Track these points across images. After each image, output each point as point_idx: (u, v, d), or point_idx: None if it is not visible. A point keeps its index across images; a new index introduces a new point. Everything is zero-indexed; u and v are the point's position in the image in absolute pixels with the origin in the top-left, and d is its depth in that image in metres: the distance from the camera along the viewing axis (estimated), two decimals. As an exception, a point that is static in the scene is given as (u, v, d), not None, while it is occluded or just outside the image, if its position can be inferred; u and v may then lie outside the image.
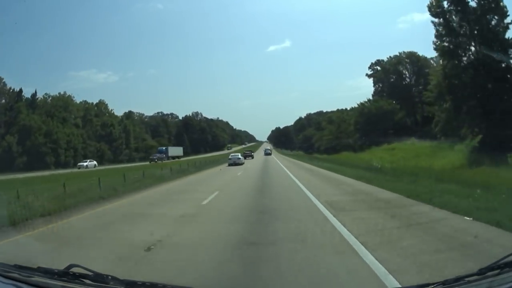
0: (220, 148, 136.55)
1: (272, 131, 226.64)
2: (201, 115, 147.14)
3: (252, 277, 4.41)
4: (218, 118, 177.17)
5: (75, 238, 7.06)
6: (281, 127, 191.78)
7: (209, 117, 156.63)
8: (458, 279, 1.91)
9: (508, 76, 32.37)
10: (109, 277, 2.11)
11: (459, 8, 34.46)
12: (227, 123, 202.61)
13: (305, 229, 6.88)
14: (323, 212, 8.65)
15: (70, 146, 68.70)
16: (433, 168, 26.49)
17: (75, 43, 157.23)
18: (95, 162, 60.14)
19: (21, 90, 78.23)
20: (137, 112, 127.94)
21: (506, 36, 32.74)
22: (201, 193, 13.78)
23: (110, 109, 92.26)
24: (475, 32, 35.32)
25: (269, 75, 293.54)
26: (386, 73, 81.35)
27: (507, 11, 32.91)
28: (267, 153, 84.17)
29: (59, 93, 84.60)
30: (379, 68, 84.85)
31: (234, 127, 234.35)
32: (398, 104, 70.15)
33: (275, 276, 4.42)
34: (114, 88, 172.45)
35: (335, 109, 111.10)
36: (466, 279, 1.92)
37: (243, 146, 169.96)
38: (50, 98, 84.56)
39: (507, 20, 32.67)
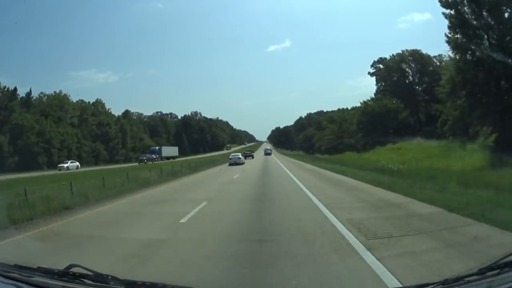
0: (219, 148, 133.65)
1: (272, 131, 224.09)
2: (200, 114, 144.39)
3: None
4: (217, 118, 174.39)
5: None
6: (281, 127, 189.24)
7: (209, 117, 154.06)
8: (458, 279, 1.89)
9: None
10: (109, 277, 2.08)
11: (472, -1, 31.78)
12: (226, 123, 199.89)
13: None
14: (351, 242, 5.73)
15: (64, 145, 65.92)
16: (451, 169, 23.76)
17: (75, 43, 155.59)
18: (77, 163, 55.67)
19: (15, 89, 75.63)
20: (135, 112, 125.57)
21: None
22: (184, 204, 11.00)
23: (107, 108, 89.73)
24: (490, 23, 32.75)
25: (269, 75, 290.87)
26: (389, 71, 78.57)
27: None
28: (267, 153, 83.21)
29: (55, 92, 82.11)
30: (381, 66, 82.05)
31: (234, 127, 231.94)
32: (402, 103, 67.33)
33: None
34: (114, 88, 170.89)
35: (335, 109, 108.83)
36: (466, 279, 1.88)
37: (243, 146, 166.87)
38: (46, 97, 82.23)
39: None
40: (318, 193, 11.98)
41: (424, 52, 78.29)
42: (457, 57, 35.33)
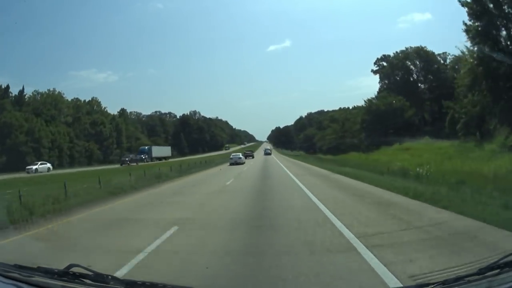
0: (219, 148, 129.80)
1: (272, 131, 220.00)
2: (199, 114, 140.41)
3: None
4: (217, 117, 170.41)
5: None
6: (281, 126, 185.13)
7: (208, 116, 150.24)
8: (458, 278, 1.86)
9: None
10: (109, 277, 2.05)
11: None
12: (226, 123, 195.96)
13: None
14: None
15: (55, 145, 62.10)
16: (480, 173, 20.04)
17: (75, 43, 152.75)
18: (48, 165, 49.72)
19: (8, 87, 72.45)
20: (134, 111, 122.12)
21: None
22: (143, 231, 7.28)
23: (103, 107, 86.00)
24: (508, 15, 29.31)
25: (269, 75, 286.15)
26: (393, 69, 74.88)
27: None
28: (267, 153, 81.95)
29: (48, 90, 78.49)
30: (385, 63, 78.30)
31: (234, 127, 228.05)
32: (407, 101, 63.52)
33: None
34: (114, 87, 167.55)
35: (336, 108, 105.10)
36: (466, 278, 1.85)
37: (242, 146, 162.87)
38: (39, 96, 78.65)
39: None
40: (341, 212, 8.23)
41: (429, 49, 74.84)
42: (475, 48, 31.81)
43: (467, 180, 14.71)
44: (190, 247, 5.95)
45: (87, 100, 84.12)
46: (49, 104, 75.35)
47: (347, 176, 18.22)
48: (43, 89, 78.89)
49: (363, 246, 5.31)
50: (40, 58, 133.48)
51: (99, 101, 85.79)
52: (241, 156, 47.47)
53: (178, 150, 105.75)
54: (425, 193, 10.62)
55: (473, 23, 30.62)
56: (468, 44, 32.52)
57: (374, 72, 79.00)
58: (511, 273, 1.80)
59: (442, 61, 75.66)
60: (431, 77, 73.73)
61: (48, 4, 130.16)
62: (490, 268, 1.88)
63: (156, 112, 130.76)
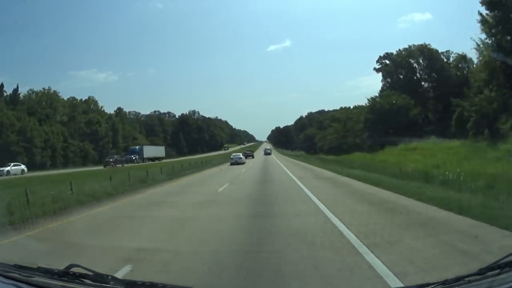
0: (218, 148, 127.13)
1: (272, 131, 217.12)
2: (198, 113, 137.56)
3: None
4: (216, 117, 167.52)
5: None
6: (281, 126, 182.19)
7: (208, 116, 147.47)
8: (458, 279, 1.82)
9: None
10: (109, 277, 2.02)
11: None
12: (226, 122, 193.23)
13: None
14: None
15: (48, 145, 59.45)
16: (510, 176, 17.47)
17: (75, 43, 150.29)
18: (23, 167, 44.43)
19: (2, 86, 70.04)
20: (133, 111, 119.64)
21: None
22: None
23: (100, 106, 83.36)
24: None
25: (269, 75, 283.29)
26: (397, 67, 72.26)
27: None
28: (267, 153, 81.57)
29: (43, 88, 75.83)
30: (387, 62, 75.63)
31: (234, 127, 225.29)
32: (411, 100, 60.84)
33: None
34: (114, 87, 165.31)
35: (337, 108, 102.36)
36: (466, 279, 1.82)
37: (242, 146, 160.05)
38: (34, 94, 76.09)
39: None
40: (377, 242, 5.53)
41: (433, 47, 72.22)
42: (489, 41, 29.27)
43: (496, 184, 12.28)
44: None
45: (83, 99, 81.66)
46: (44, 103, 72.96)
47: (359, 180, 15.53)
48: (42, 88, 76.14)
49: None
50: (39, 58, 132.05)
51: (96, 100, 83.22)
52: (241, 156, 47.14)
53: (177, 150, 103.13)
54: (473, 206, 8.02)
55: (490, 13, 28.10)
56: (483, 36, 30.03)
57: (377, 70, 76.33)
58: (511, 273, 1.76)
59: (445, 60, 73.24)
60: (435, 76, 71.19)
61: (48, 4, 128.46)
62: (490, 268, 1.85)
63: (155, 111, 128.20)
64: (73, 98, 79.91)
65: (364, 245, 5.30)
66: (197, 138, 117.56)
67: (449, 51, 73.69)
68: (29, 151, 56.05)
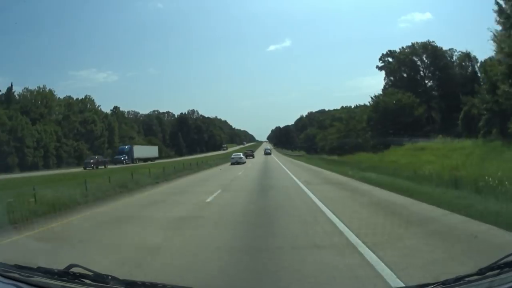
0: (218, 148, 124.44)
1: (272, 131, 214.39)
2: (197, 113, 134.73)
3: None
4: (216, 116, 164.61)
5: None
6: (281, 126, 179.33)
7: (208, 116, 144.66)
8: (458, 279, 1.80)
9: None
10: (109, 277, 1.99)
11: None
12: (225, 122, 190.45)
13: None
14: None
15: (40, 145, 56.86)
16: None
17: (75, 43, 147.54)
18: None
19: (-4, 85, 67.72)
20: (132, 110, 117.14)
21: None
22: None
23: (97, 105, 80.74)
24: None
25: (269, 75, 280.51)
26: (400, 64, 69.65)
27: None
28: (267, 153, 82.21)
29: (38, 87, 73.20)
30: (390, 59, 72.94)
31: (233, 127, 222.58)
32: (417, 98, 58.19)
33: None
34: (114, 87, 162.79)
35: (338, 108, 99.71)
36: (466, 279, 1.79)
37: (242, 146, 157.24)
38: (29, 93, 73.51)
39: None
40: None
41: (437, 44, 69.59)
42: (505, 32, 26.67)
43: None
44: None
45: (80, 98, 79.08)
46: (39, 102, 70.42)
47: (379, 186, 12.80)
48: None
49: None
50: (39, 58, 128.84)
51: (92, 99, 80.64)
52: (242, 156, 46.78)
53: (176, 150, 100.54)
54: None
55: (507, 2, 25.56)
56: (499, 28, 27.46)
57: (380, 68, 73.66)
58: (511, 273, 1.74)
59: (448, 58, 70.71)
60: (439, 74, 68.62)
61: (48, 4, 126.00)
62: (490, 268, 1.82)
63: (154, 111, 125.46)
64: (69, 97, 77.43)
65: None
66: (196, 138, 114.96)
67: (452, 49, 71.18)
68: (20, 151, 53.51)
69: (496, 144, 31.92)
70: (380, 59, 74.05)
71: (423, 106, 56.75)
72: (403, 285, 3.66)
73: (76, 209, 10.39)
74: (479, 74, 64.84)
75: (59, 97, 74.45)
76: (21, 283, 1.89)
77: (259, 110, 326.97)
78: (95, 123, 67.52)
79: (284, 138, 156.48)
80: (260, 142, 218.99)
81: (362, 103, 78.36)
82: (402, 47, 72.48)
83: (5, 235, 7.06)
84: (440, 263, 4.54)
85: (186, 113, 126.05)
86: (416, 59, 70.28)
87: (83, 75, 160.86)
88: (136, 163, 55.27)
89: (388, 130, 52.41)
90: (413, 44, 71.47)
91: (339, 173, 20.26)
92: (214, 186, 15.71)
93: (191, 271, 4.65)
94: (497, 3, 26.46)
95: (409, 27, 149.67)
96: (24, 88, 70.43)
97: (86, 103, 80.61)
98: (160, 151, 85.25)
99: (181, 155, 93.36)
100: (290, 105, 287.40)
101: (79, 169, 43.35)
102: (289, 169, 27.20)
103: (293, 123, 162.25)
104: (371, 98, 60.57)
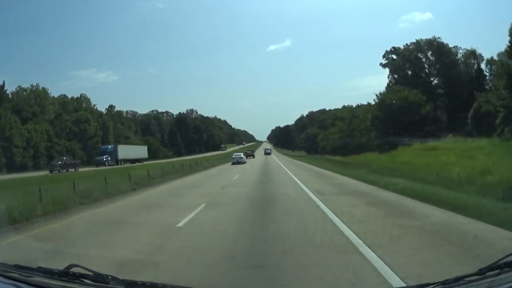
0: (217, 148, 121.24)
1: (272, 131, 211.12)
2: (196, 112, 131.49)
3: None
4: (215, 116, 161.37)
5: None
6: (281, 126, 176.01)
7: (207, 115, 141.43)
8: (458, 279, 1.76)
9: None
10: (109, 277, 1.96)
11: None
12: (225, 122, 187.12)
13: None
14: None
15: (30, 145, 53.71)
16: None
17: (75, 43, 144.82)
18: None
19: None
20: (130, 110, 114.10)
21: None
22: None
23: (92, 104, 77.53)
24: None
25: (269, 75, 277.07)
26: (405, 61, 66.50)
27: None
28: (267, 153, 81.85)
29: (31, 85, 70.01)
30: (394, 56, 69.75)
31: (233, 126, 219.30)
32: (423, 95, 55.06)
33: None
34: (114, 87, 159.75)
35: (338, 107, 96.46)
36: (466, 279, 1.76)
37: (241, 146, 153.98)
38: (23, 92, 70.36)
39: None
40: None
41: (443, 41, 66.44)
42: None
43: None
44: None
45: (75, 97, 75.89)
46: (31, 101, 67.26)
47: (421, 200, 8.98)
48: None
49: None
50: (39, 58, 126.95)
51: (88, 98, 77.51)
52: (242, 155, 46.66)
53: (175, 150, 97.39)
54: None
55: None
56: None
57: (383, 65, 70.49)
58: (511, 273, 1.72)
59: (452, 56, 67.59)
60: (445, 71, 65.46)
61: (48, 4, 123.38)
62: (490, 268, 1.80)
63: (153, 111, 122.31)
64: (64, 96, 74.31)
65: None
66: (195, 138, 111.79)
67: (457, 46, 68.03)
68: (8, 150, 50.35)
69: (515, 143, 28.95)
70: (384, 56, 71.06)
71: (430, 104, 53.62)
72: (404, 285, 3.51)
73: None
74: (485, 72, 62.19)
75: (53, 96, 71.54)
76: (21, 283, 1.88)
77: (259, 110, 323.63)
78: (89, 122, 64.36)
79: (284, 138, 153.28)
80: (260, 142, 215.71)
81: (362, 103, 75.68)
82: (406, 44, 69.46)
83: None
84: None
85: (185, 112, 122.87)
86: (421, 55, 67.20)
87: (83, 75, 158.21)
88: (121, 164, 50.40)
89: (394, 129, 49.40)
90: (417, 41, 68.37)
91: (353, 178, 16.81)
92: (199, 197, 12.08)
93: None
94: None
95: (409, 27, 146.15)
96: (18, 86, 67.25)
97: (82, 102, 77.44)
98: (157, 151, 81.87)
99: (179, 155, 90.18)
100: (290, 105, 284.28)
101: (45, 172, 37.08)
102: (292, 172, 23.68)
103: (293, 123, 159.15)
104: (376, 95, 57.31)
